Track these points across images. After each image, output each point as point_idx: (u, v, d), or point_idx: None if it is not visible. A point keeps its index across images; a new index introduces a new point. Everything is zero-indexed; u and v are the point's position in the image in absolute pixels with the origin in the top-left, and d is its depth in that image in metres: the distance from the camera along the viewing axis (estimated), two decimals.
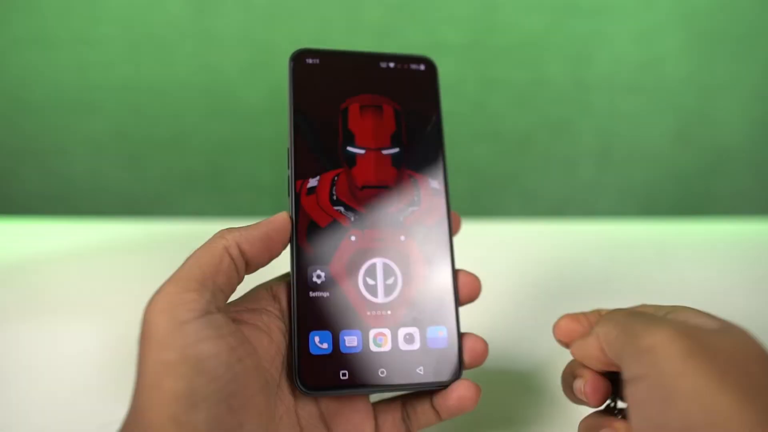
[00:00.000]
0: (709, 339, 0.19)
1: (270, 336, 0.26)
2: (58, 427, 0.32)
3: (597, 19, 0.60)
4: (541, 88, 0.62)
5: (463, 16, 0.59)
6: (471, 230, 0.60)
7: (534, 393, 0.35)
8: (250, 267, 0.26)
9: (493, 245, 0.53)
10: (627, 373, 0.21)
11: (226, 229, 0.26)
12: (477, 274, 0.29)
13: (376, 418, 0.28)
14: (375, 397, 0.28)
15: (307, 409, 0.26)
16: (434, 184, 0.29)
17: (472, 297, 0.29)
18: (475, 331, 0.28)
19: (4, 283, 0.46)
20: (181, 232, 0.55)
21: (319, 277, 0.27)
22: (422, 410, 0.28)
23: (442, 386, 0.27)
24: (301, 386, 0.25)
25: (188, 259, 0.24)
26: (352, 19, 0.59)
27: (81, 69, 0.60)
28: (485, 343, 0.28)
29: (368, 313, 0.27)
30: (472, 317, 0.30)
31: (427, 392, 0.28)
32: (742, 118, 0.64)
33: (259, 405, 0.23)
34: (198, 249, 0.25)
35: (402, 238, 0.28)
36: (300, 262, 0.27)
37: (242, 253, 0.25)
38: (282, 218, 0.27)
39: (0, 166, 0.64)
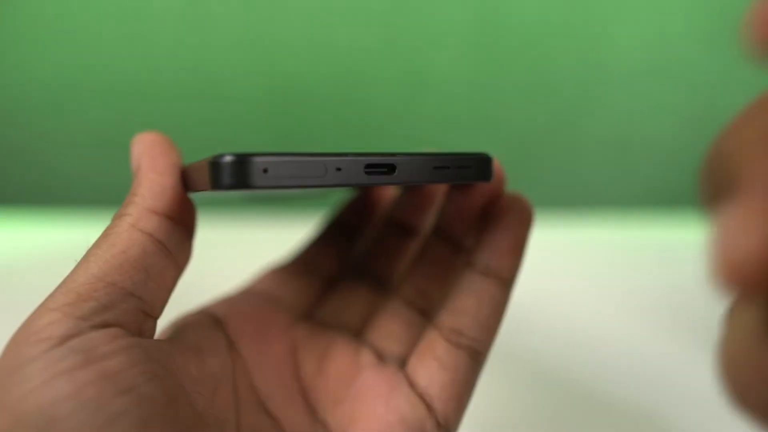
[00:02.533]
0: None
1: (201, 354, 0.17)
2: None
3: (607, 13, 0.60)
4: (546, 85, 0.62)
5: (469, 8, 0.59)
6: None
7: (533, 394, 0.35)
8: (184, 230, 0.18)
9: None
10: None
11: (124, 203, 0.17)
12: None
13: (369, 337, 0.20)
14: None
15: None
16: None
17: None
18: None
19: (3, 283, 0.46)
20: None
21: None
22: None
23: (486, 169, 0.18)
24: None
25: (79, 260, 0.16)
26: (353, 18, 0.59)
27: (79, 66, 0.60)
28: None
29: None
30: None
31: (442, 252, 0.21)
32: None
33: None
34: (96, 240, 0.16)
35: None
36: None
37: (165, 217, 0.17)
38: (151, 139, 0.18)
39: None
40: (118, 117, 0.62)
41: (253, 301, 0.21)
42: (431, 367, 0.18)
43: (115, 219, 0.17)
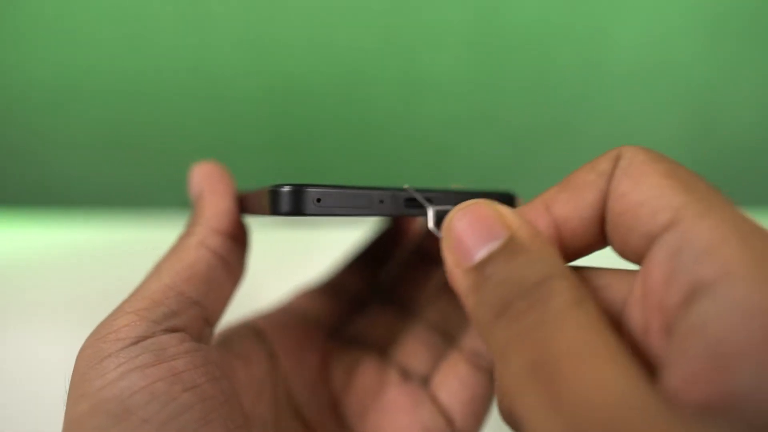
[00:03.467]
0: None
1: (248, 362, 0.19)
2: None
3: (607, 13, 0.60)
4: (546, 85, 0.62)
5: (468, 8, 0.59)
6: None
7: None
8: (241, 248, 0.19)
9: None
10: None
11: (190, 223, 0.19)
12: None
13: (394, 357, 0.22)
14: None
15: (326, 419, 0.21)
16: None
17: None
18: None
19: (3, 283, 0.46)
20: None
21: None
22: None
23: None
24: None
25: (150, 270, 0.18)
26: (353, 18, 0.59)
27: (79, 66, 0.60)
28: None
29: None
30: None
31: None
32: (757, 117, 0.64)
33: None
34: (164, 254, 0.18)
35: None
36: None
37: (227, 236, 0.19)
38: (209, 169, 0.20)
39: None
40: (118, 117, 0.62)
41: (290, 317, 0.23)
42: (453, 386, 0.20)
43: (184, 237, 0.19)
